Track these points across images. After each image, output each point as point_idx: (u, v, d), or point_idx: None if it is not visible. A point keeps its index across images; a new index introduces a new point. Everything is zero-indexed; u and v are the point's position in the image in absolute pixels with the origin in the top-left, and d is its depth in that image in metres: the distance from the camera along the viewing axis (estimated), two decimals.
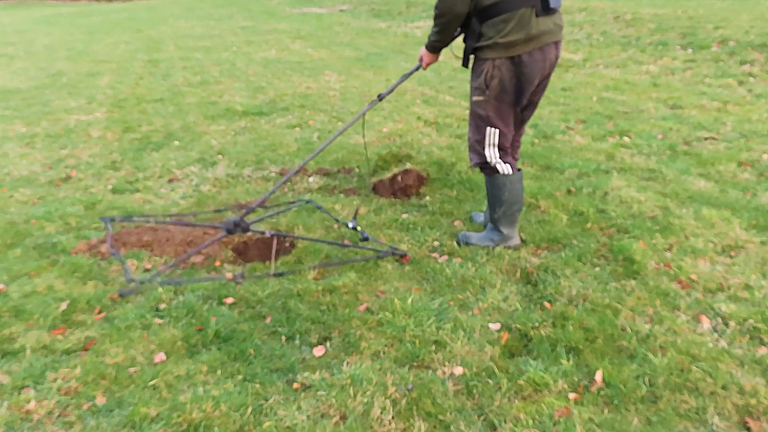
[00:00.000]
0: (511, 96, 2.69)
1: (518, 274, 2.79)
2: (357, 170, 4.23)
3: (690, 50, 7.63)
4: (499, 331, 2.37)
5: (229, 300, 2.63)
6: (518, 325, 2.38)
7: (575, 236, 3.08)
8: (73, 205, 3.74)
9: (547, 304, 2.53)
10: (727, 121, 4.99)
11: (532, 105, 2.87)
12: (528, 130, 5.01)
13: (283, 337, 2.37)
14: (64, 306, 2.58)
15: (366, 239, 3.06)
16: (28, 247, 3.17)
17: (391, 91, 3.06)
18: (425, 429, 1.88)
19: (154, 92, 7.18)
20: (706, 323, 2.37)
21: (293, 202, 3.68)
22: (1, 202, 3.85)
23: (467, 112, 5.63)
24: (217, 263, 2.98)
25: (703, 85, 6.36)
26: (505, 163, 2.85)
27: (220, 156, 4.69)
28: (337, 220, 3.36)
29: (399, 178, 3.75)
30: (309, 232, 3.22)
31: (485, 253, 2.96)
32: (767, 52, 6.95)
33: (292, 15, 16.43)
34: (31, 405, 2.00)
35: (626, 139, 4.67)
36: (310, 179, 4.10)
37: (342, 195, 3.80)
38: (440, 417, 1.92)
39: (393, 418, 1.92)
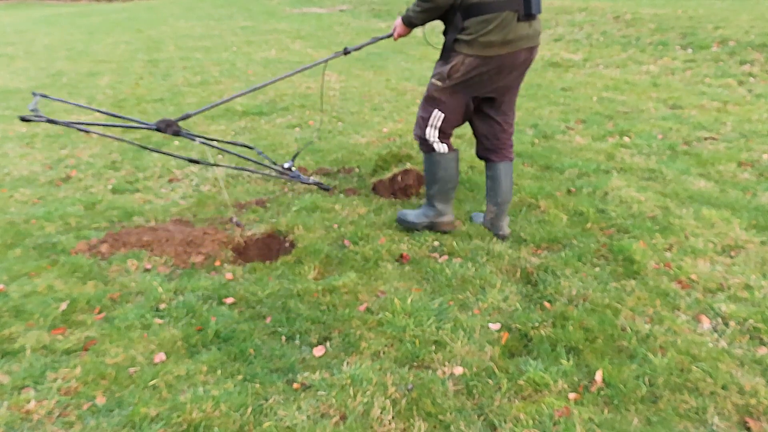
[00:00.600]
0: (469, 90, 2.83)
1: (518, 274, 2.79)
2: (357, 170, 4.23)
3: (690, 50, 7.64)
4: (499, 331, 2.37)
5: (229, 300, 2.63)
6: (518, 325, 2.38)
7: (575, 236, 3.08)
8: (73, 205, 3.74)
9: (547, 304, 2.53)
10: (727, 121, 4.99)
11: (505, 105, 2.96)
12: (528, 130, 5.02)
13: (283, 337, 2.37)
14: (64, 306, 2.59)
15: (297, 176, 3.16)
16: (28, 247, 3.17)
17: (360, 48, 3.12)
18: (425, 429, 1.88)
19: (154, 92, 7.18)
20: (706, 323, 2.37)
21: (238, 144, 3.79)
22: (1, 202, 3.85)
23: None
24: (217, 263, 2.98)
25: (703, 85, 6.36)
26: (442, 143, 2.99)
27: (220, 156, 4.69)
28: (275, 163, 3.43)
29: (399, 178, 3.75)
30: (309, 232, 3.22)
31: (485, 253, 2.96)
32: (767, 52, 6.96)
33: (292, 15, 16.43)
34: (31, 405, 2.00)
35: (626, 139, 4.67)
36: (310, 179, 4.10)
37: (342, 195, 3.80)
38: (440, 417, 1.92)
39: (393, 418, 1.92)
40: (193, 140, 2.99)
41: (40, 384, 2.11)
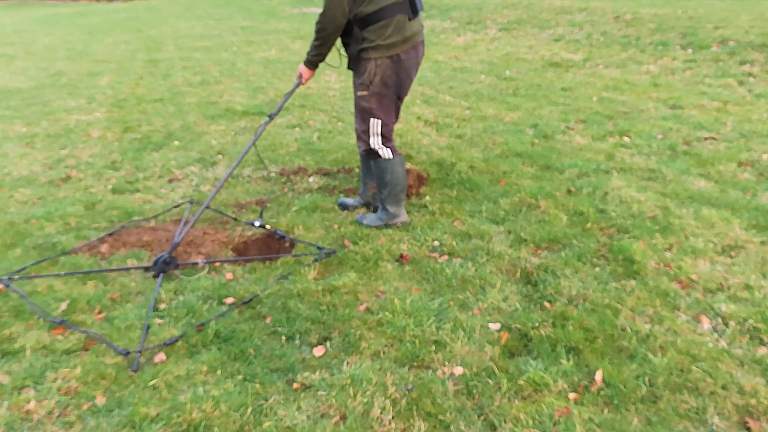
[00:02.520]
0: (392, 90, 3.05)
1: (518, 274, 2.79)
2: (357, 170, 4.23)
3: (690, 50, 7.64)
4: (499, 331, 2.37)
5: (229, 300, 2.63)
6: (518, 325, 2.38)
7: (575, 236, 3.08)
8: (73, 205, 3.74)
9: (547, 304, 2.53)
10: (727, 121, 4.99)
11: (404, 96, 3.22)
12: (528, 130, 5.02)
13: (283, 337, 2.37)
14: (64, 306, 2.59)
15: (282, 237, 3.13)
16: (28, 247, 3.17)
17: (279, 110, 3.24)
18: (425, 429, 1.88)
19: (154, 92, 7.18)
20: (706, 323, 2.37)
21: (177, 205, 3.66)
22: (1, 202, 3.85)
23: (467, 112, 5.68)
24: (217, 264, 2.98)
25: (703, 85, 6.36)
26: (386, 148, 3.16)
27: (220, 156, 4.70)
28: (235, 219, 3.41)
29: None
30: (308, 232, 3.22)
31: (485, 253, 2.96)
32: (767, 52, 6.95)
33: (292, 15, 16.43)
34: (31, 405, 2.00)
35: (626, 139, 4.67)
36: (310, 179, 4.10)
37: (342, 195, 3.80)
38: (440, 417, 1.92)
39: (393, 418, 1.92)
40: (196, 265, 2.90)
41: (40, 384, 2.11)
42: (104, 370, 2.17)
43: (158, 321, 2.48)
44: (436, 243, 3.09)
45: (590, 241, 3.03)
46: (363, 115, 3.10)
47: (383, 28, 2.91)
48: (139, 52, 10.77)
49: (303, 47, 10.58)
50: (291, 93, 3.25)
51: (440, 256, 2.97)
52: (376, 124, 3.09)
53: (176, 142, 5.09)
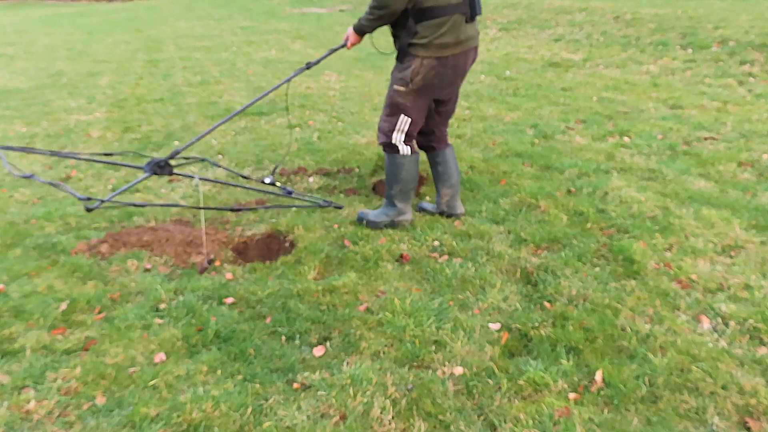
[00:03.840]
0: (430, 92, 2.96)
1: (518, 274, 2.79)
2: (357, 170, 4.23)
3: (690, 50, 7.64)
4: (499, 331, 2.37)
5: (229, 300, 2.63)
6: (518, 325, 2.38)
7: (575, 236, 3.08)
8: (73, 205, 3.74)
9: (547, 304, 2.53)
10: (727, 121, 4.98)
11: (452, 101, 3.15)
12: (528, 130, 5.02)
13: (283, 337, 2.37)
14: (64, 306, 2.59)
15: (290, 193, 3.10)
16: (28, 247, 3.17)
17: (319, 61, 3.19)
18: (425, 429, 1.88)
19: (154, 92, 7.18)
20: (706, 323, 2.37)
21: (191, 159, 3.66)
22: (1, 202, 3.85)
23: (467, 112, 5.68)
24: (217, 263, 2.98)
25: (703, 85, 6.36)
26: (406, 145, 3.09)
27: (220, 156, 4.69)
28: (243, 176, 3.41)
29: None
30: (308, 232, 3.22)
31: (485, 253, 2.96)
32: (767, 52, 6.95)
33: (292, 15, 16.43)
34: (31, 405, 2.00)
35: (626, 139, 4.67)
36: (310, 179, 4.10)
37: (342, 195, 3.80)
38: (440, 417, 1.92)
39: (393, 418, 1.92)
40: (192, 178, 2.94)
41: (40, 384, 2.11)
42: (104, 370, 2.17)
43: (158, 321, 2.48)
44: (436, 243, 3.09)
45: (590, 241, 3.03)
46: (394, 109, 3.00)
47: (438, 26, 2.78)
48: (139, 52, 10.77)
49: (303, 47, 10.58)
50: (334, 50, 3.14)
51: (440, 256, 2.97)
52: (404, 122, 3.00)
53: (176, 142, 5.08)
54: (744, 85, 6.21)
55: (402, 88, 2.93)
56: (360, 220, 3.29)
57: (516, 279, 2.76)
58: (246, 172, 4.30)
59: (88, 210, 2.51)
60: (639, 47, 8.23)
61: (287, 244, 3.17)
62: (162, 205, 2.66)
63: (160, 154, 4.75)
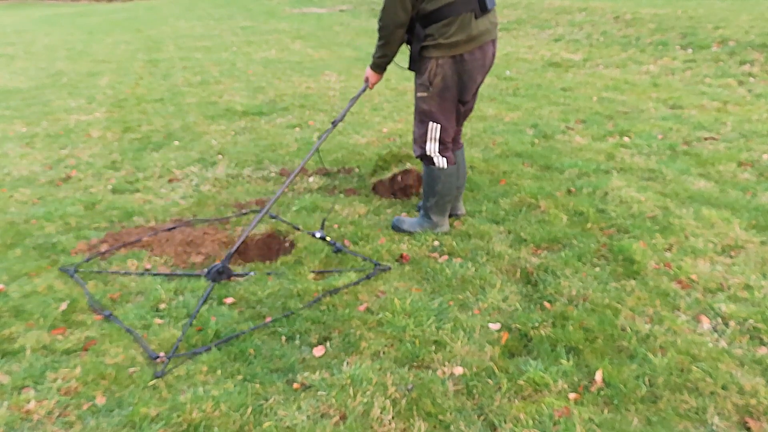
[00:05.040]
0: (453, 92, 2.89)
1: (518, 274, 2.79)
2: (357, 170, 4.23)
3: (690, 50, 7.64)
4: (499, 331, 2.37)
5: (229, 300, 2.63)
6: (518, 325, 2.38)
7: (575, 236, 3.08)
8: (73, 205, 3.74)
9: (547, 304, 2.53)
10: (727, 121, 4.99)
11: (472, 99, 3.08)
12: (528, 130, 5.02)
13: (283, 337, 2.37)
14: (64, 306, 2.59)
15: (339, 250, 2.99)
16: (28, 247, 3.17)
17: (343, 116, 3.09)
18: (425, 429, 1.88)
19: (154, 92, 7.18)
20: (706, 323, 2.37)
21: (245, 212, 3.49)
22: (1, 202, 3.85)
23: None
24: (217, 263, 2.98)
25: (703, 85, 6.36)
26: (442, 157, 3.03)
27: (220, 156, 4.70)
28: (298, 229, 3.23)
29: (399, 178, 3.75)
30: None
31: (485, 253, 2.96)
32: (767, 52, 6.95)
33: (292, 15, 16.43)
34: (31, 405, 2.00)
35: (626, 139, 4.67)
36: (310, 179, 4.10)
37: (342, 195, 3.80)
38: (440, 417, 1.92)
39: (393, 418, 1.92)
40: (249, 275, 2.81)
41: (40, 384, 2.11)
42: (104, 370, 2.17)
43: (158, 321, 2.48)
44: (436, 243, 3.09)
45: (590, 241, 3.03)
46: (422, 117, 2.96)
47: (446, 26, 2.75)
48: (139, 52, 10.77)
49: (303, 47, 10.58)
50: (356, 98, 3.10)
51: (440, 256, 2.97)
52: (434, 129, 2.95)
53: (176, 142, 5.09)
54: (744, 85, 6.21)
55: (425, 94, 2.90)
56: (395, 228, 3.23)
57: (516, 279, 2.76)
58: (246, 172, 4.30)
59: (158, 377, 2.15)
60: (639, 47, 8.23)
61: (287, 244, 3.17)
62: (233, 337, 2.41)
63: (160, 155, 4.75)
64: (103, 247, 3.14)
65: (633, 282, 2.65)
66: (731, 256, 2.86)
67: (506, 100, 6.14)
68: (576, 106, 5.74)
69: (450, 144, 3.05)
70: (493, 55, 2.94)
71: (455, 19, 2.75)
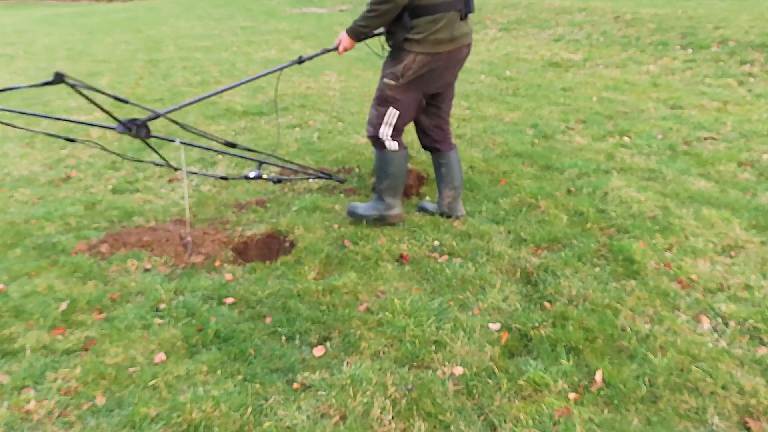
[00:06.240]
0: (421, 86, 2.97)
1: (518, 274, 2.79)
2: (357, 170, 4.23)
3: (690, 50, 7.63)
4: (499, 331, 2.37)
5: (229, 300, 2.63)
6: (518, 325, 2.38)
7: (575, 236, 3.08)
8: (73, 205, 3.74)
9: (547, 304, 2.53)
10: (727, 121, 4.98)
11: (447, 97, 3.17)
12: (528, 130, 5.02)
13: (283, 337, 2.38)
14: (64, 306, 2.59)
15: (279, 181, 3.05)
16: (28, 247, 3.17)
17: (312, 58, 3.14)
18: (425, 429, 1.88)
19: (154, 92, 7.18)
20: (706, 323, 2.37)
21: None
22: (1, 202, 3.85)
23: (467, 112, 5.68)
24: (217, 263, 2.98)
25: (703, 85, 6.36)
26: (394, 141, 3.10)
27: (220, 156, 4.69)
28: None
29: None
30: (308, 232, 3.22)
31: (485, 253, 2.96)
32: (767, 52, 6.95)
33: (292, 15, 16.43)
34: (31, 405, 2.00)
35: (626, 139, 4.67)
36: (310, 179, 4.10)
37: (342, 195, 3.80)
38: (440, 417, 1.92)
39: (393, 418, 1.92)
40: (173, 141, 2.78)
41: (40, 384, 2.11)
42: (104, 370, 2.17)
43: (158, 321, 2.48)
44: (436, 243, 3.09)
45: (590, 241, 3.03)
46: (383, 101, 3.01)
47: (434, 22, 2.80)
48: (139, 52, 10.77)
49: (303, 47, 10.58)
50: (325, 51, 3.11)
51: (440, 256, 2.97)
52: (393, 114, 3.01)
53: (177, 142, 5.08)
54: (744, 85, 6.21)
55: (392, 82, 2.94)
56: (350, 213, 3.31)
57: (516, 279, 2.76)
58: (246, 172, 4.30)
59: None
60: (639, 47, 8.23)
61: (287, 244, 3.17)
62: None
63: (161, 153, 4.74)
64: (104, 248, 3.14)
65: (633, 282, 2.65)
66: (731, 256, 2.86)
67: (506, 100, 6.14)
68: (576, 106, 5.73)
69: (402, 132, 3.12)
70: (465, 56, 3.05)
71: (443, 16, 2.80)
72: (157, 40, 12.41)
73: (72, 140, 2.82)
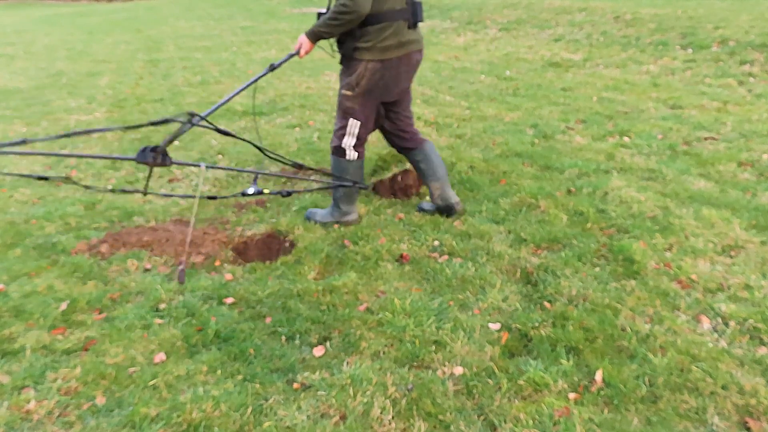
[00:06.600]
0: (376, 94, 3.05)
1: (518, 274, 2.79)
2: None
3: (690, 50, 7.63)
4: (499, 331, 2.37)
5: (229, 300, 2.63)
6: (518, 325, 2.38)
7: (575, 236, 3.08)
8: (73, 205, 3.74)
9: (547, 304, 2.53)
10: (727, 121, 4.98)
11: (405, 102, 3.25)
12: (528, 130, 5.02)
13: (283, 337, 2.38)
14: (64, 306, 2.59)
15: (289, 194, 3.11)
16: (28, 247, 3.17)
17: (281, 64, 3.10)
18: (425, 429, 1.88)
19: (154, 92, 7.18)
20: (706, 323, 2.37)
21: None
22: (1, 202, 3.85)
23: (467, 112, 5.68)
24: (217, 263, 2.98)
25: (703, 85, 6.36)
26: (355, 151, 3.18)
27: (220, 156, 4.70)
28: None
29: (399, 178, 3.75)
30: (308, 232, 3.22)
31: (485, 253, 2.96)
32: (767, 52, 6.95)
33: (292, 15, 16.43)
34: (31, 405, 2.00)
35: (626, 139, 4.67)
36: (310, 179, 4.09)
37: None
38: (440, 417, 1.92)
39: (393, 418, 1.92)
40: (198, 166, 2.62)
41: (40, 384, 2.11)
42: (104, 370, 2.17)
43: (158, 321, 2.48)
44: (436, 243, 3.09)
45: (590, 241, 3.03)
46: (343, 113, 3.10)
47: (381, 30, 2.90)
48: (139, 52, 10.77)
49: None
50: (290, 56, 3.10)
51: (440, 256, 2.97)
52: (354, 125, 3.10)
53: (176, 142, 5.08)
54: (744, 85, 6.21)
55: (349, 93, 3.03)
56: (308, 219, 3.37)
57: (516, 279, 2.76)
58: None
59: None
60: (639, 47, 8.23)
61: (287, 244, 3.17)
62: None
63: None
64: (104, 248, 3.14)
65: (633, 282, 2.65)
66: (731, 256, 2.86)
67: (506, 100, 6.14)
68: (576, 106, 5.73)
69: (365, 140, 3.19)
70: (418, 62, 3.13)
71: (390, 24, 2.90)
72: (157, 40, 12.41)
73: (45, 179, 2.68)
